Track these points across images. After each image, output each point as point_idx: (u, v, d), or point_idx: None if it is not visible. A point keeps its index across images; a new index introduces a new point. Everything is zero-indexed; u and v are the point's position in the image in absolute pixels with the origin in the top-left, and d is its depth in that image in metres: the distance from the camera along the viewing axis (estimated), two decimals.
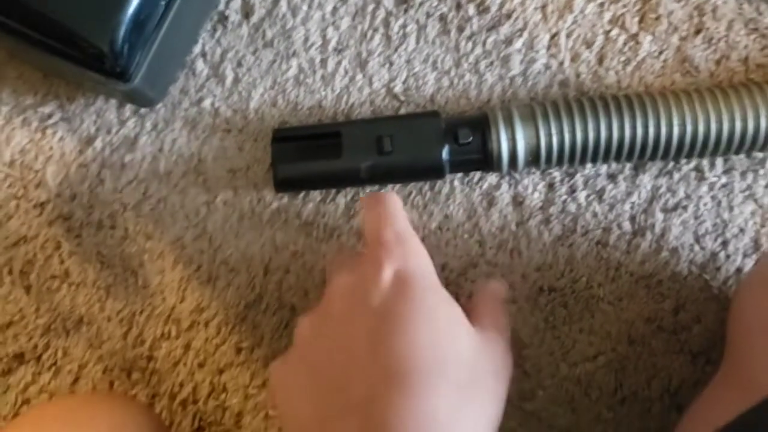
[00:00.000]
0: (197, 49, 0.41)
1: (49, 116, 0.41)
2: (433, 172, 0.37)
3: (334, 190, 0.40)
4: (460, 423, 0.27)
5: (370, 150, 0.37)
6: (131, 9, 0.34)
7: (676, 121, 0.36)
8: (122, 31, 0.34)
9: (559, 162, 0.37)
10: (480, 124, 0.37)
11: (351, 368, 0.28)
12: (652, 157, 0.37)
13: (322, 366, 0.29)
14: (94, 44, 0.34)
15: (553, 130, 0.36)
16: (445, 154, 0.37)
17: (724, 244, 0.38)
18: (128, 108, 0.41)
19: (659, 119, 0.36)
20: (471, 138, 0.37)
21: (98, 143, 0.41)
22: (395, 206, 0.33)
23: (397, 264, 0.30)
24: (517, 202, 0.39)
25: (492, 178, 0.39)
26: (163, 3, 0.36)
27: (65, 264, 0.40)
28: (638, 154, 0.37)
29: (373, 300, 0.29)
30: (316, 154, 0.37)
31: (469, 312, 0.31)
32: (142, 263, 0.40)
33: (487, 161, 0.37)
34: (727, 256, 0.38)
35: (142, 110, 0.41)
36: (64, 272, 0.40)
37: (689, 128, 0.36)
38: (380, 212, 0.32)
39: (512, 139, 0.36)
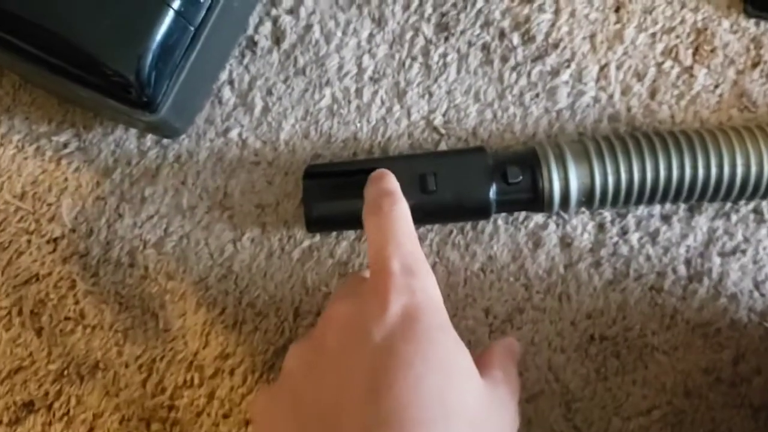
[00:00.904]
0: (224, 76, 0.38)
1: (65, 145, 0.38)
2: (479, 212, 0.35)
3: None
4: None
5: (412, 188, 0.34)
6: (159, 35, 0.32)
7: (739, 161, 0.34)
8: (149, 59, 0.32)
9: (614, 203, 0.35)
10: (529, 161, 0.35)
11: (344, 409, 0.26)
12: (713, 199, 0.35)
13: (311, 403, 0.27)
14: (120, 72, 0.32)
15: (609, 169, 0.34)
16: (492, 193, 0.34)
17: None
18: (149, 138, 0.38)
19: (722, 158, 0.34)
20: (521, 177, 0.34)
21: (117, 175, 0.38)
22: (403, 226, 0.30)
23: (404, 298, 0.27)
24: (566, 243, 0.37)
25: (538, 217, 0.37)
26: (192, 28, 0.33)
27: (80, 305, 0.37)
28: (698, 195, 0.35)
29: (374, 337, 0.27)
30: (351, 192, 0.35)
31: (480, 364, 0.28)
32: (163, 305, 0.37)
33: (536, 201, 0.35)
34: None
35: (165, 140, 0.38)
36: (79, 314, 0.37)
37: (754, 168, 0.34)
38: (386, 234, 0.29)
39: (565, 179, 0.34)
